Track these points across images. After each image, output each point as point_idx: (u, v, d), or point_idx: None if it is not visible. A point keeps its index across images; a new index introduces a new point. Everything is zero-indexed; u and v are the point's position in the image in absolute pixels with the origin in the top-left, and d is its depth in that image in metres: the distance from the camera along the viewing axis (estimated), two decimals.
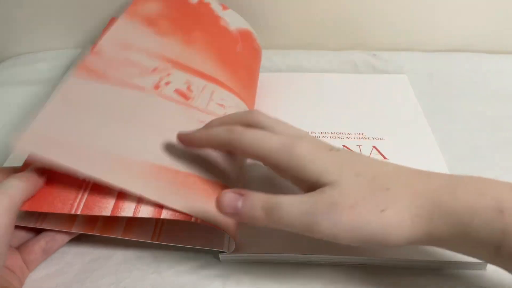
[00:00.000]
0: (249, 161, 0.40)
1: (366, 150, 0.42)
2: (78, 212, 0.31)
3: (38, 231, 0.33)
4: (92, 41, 0.51)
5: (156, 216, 0.31)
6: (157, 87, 0.37)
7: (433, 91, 0.51)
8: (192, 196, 0.32)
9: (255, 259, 0.34)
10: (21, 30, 0.59)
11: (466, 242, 0.26)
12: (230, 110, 0.39)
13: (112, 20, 0.49)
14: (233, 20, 0.48)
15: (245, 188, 0.28)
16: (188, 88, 0.39)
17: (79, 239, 0.35)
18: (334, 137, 0.43)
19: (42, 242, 0.32)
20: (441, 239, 0.26)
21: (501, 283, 0.32)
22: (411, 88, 0.51)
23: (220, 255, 0.33)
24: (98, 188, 0.31)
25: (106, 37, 0.39)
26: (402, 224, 0.25)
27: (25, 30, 0.59)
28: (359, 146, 0.42)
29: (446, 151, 0.42)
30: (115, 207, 0.31)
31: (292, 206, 0.27)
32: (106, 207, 0.31)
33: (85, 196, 0.32)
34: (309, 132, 0.43)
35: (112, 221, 0.33)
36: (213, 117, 0.36)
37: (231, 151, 0.32)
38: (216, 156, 0.35)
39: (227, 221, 0.31)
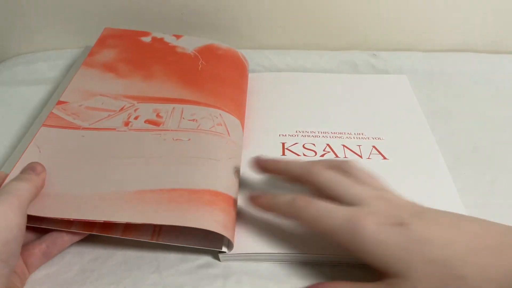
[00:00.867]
0: (245, 166, 0.40)
1: (366, 150, 0.42)
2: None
3: (38, 233, 0.33)
4: (92, 42, 0.51)
5: None
6: (127, 123, 0.39)
7: (433, 91, 0.51)
8: (182, 208, 0.32)
9: (255, 259, 0.34)
10: (21, 30, 0.59)
11: None
12: (203, 121, 0.40)
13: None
14: (189, 44, 0.51)
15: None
16: (157, 115, 0.40)
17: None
18: (334, 137, 0.43)
19: (43, 245, 0.32)
20: None
21: None
22: (411, 88, 0.51)
23: (220, 255, 0.33)
24: None
25: (69, 89, 0.43)
26: None
27: (25, 30, 0.59)
28: (359, 146, 0.42)
29: (446, 151, 0.42)
30: None
31: None
32: None
33: None
34: (310, 132, 0.44)
35: (111, 222, 0.33)
36: (186, 133, 0.38)
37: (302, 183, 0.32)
38: (202, 165, 0.36)
39: (223, 225, 0.31)
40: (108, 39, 0.50)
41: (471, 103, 0.50)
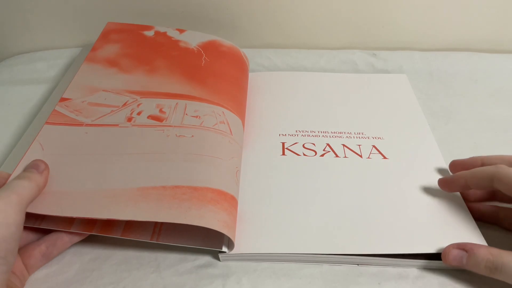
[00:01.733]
0: (244, 166, 0.40)
1: (366, 150, 0.42)
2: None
3: (38, 234, 0.33)
4: (91, 40, 0.51)
5: None
6: (130, 119, 0.39)
7: (433, 91, 0.51)
8: (185, 205, 0.32)
9: (255, 258, 0.34)
10: (21, 29, 0.59)
11: None
12: (207, 118, 0.40)
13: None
14: (192, 39, 0.50)
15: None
16: (160, 110, 0.40)
17: None
18: (334, 136, 0.43)
19: (42, 246, 0.32)
20: None
21: (501, 283, 0.32)
22: (411, 87, 0.51)
23: (220, 255, 0.33)
24: None
25: (72, 85, 0.42)
26: None
27: (25, 29, 0.59)
28: (359, 145, 0.42)
29: (446, 151, 0.42)
30: None
31: None
32: None
33: None
34: (309, 132, 0.43)
35: (111, 221, 0.33)
36: (189, 130, 0.38)
37: (493, 187, 0.33)
38: (205, 162, 0.35)
39: (225, 224, 0.31)
40: (110, 33, 0.50)
41: (471, 103, 0.49)
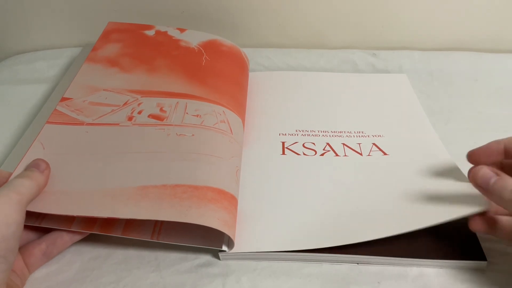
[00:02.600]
0: (244, 166, 0.40)
1: (366, 148, 0.42)
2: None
3: (39, 233, 0.33)
4: (92, 40, 0.51)
5: None
6: (130, 118, 0.39)
7: (433, 91, 0.51)
8: (186, 204, 0.32)
9: (255, 258, 0.34)
10: (21, 29, 0.59)
11: None
12: (207, 117, 0.40)
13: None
14: (193, 39, 0.50)
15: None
16: (161, 109, 0.40)
17: None
18: (334, 136, 0.43)
19: (43, 245, 0.32)
20: None
21: (501, 283, 0.32)
22: (411, 87, 0.51)
23: (220, 254, 0.33)
24: None
25: (73, 85, 0.42)
26: None
27: (25, 29, 0.59)
28: (359, 144, 0.42)
29: (447, 150, 0.42)
30: None
31: None
32: None
33: None
34: (309, 131, 0.43)
35: (112, 220, 0.33)
36: (190, 129, 0.38)
37: None
38: (205, 162, 0.35)
39: (225, 223, 0.31)
40: (111, 33, 0.50)
41: (471, 103, 0.49)
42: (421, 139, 0.43)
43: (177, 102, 0.41)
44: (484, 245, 0.33)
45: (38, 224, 0.32)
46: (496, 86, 0.52)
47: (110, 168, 0.34)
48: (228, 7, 0.56)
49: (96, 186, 0.33)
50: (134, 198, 0.32)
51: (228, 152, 0.37)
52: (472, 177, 0.31)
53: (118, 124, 0.38)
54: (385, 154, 0.41)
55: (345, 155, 0.41)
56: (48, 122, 0.38)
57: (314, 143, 0.42)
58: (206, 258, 0.34)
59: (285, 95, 0.49)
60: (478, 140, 0.44)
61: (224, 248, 0.33)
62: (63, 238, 0.33)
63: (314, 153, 0.41)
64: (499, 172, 0.30)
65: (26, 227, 0.32)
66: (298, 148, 0.42)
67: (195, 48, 0.49)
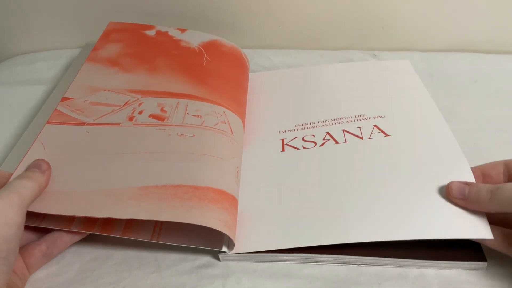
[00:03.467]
0: (243, 166, 0.40)
1: (367, 131, 0.41)
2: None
3: (39, 234, 0.33)
4: (91, 41, 0.51)
5: None
6: (131, 118, 0.39)
7: (432, 92, 0.51)
8: (187, 204, 0.32)
9: (254, 259, 0.34)
10: (21, 30, 0.59)
11: None
12: (208, 118, 0.40)
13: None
14: (193, 39, 0.50)
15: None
16: (162, 109, 0.40)
17: None
18: (334, 124, 0.43)
19: (43, 246, 0.32)
20: None
21: (501, 283, 0.32)
22: (414, 71, 0.49)
23: (220, 255, 0.33)
24: None
25: (73, 85, 0.42)
26: None
27: (25, 30, 0.59)
28: (360, 127, 0.42)
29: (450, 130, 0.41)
30: None
31: None
32: None
33: None
34: (309, 124, 0.43)
35: (112, 220, 0.33)
36: (191, 129, 0.38)
37: None
38: (206, 162, 0.35)
39: (226, 224, 0.31)
40: (112, 33, 0.50)
41: (471, 103, 0.49)
42: (424, 119, 0.42)
43: (178, 102, 0.41)
44: (484, 245, 0.33)
45: (38, 224, 0.32)
46: (495, 87, 0.52)
47: (111, 168, 0.34)
48: (228, 8, 0.56)
49: (97, 186, 0.33)
50: (135, 198, 0.32)
51: (228, 153, 0.37)
52: (449, 193, 0.33)
53: (119, 124, 0.38)
54: (386, 135, 0.40)
55: (346, 141, 0.40)
56: (48, 122, 0.38)
57: (313, 135, 0.42)
58: (206, 259, 0.34)
59: (284, 93, 0.49)
60: (478, 141, 0.44)
61: (224, 249, 0.33)
62: (63, 238, 0.33)
63: (313, 145, 0.41)
64: (469, 182, 0.33)
65: (26, 227, 0.32)
66: (297, 142, 0.41)
67: (196, 48, 0.49)
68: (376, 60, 0.54)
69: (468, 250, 0.33)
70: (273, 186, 0.38)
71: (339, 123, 0.43)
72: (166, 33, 0.51)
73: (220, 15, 0.57)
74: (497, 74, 0.54)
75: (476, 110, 0.49)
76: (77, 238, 0.33)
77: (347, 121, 0.43)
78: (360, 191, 0.36)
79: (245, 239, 0.34)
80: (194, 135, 0.38)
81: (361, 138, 0.40)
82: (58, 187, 0.33)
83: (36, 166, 0.32)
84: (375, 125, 0.42)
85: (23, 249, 0.32)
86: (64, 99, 0.41)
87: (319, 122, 0.43)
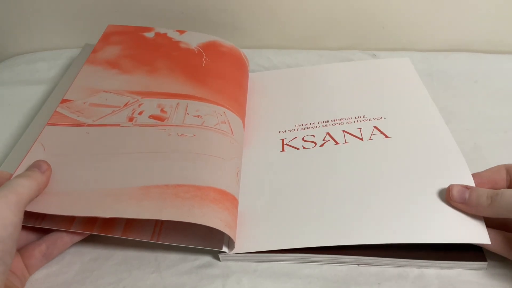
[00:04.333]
0: (243, 166, 0.40)
1: (367, 132, 0.41)
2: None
3: (39, 234, 0.33)
4: (91, 41, 0.51)
5: None
6: (131, 119, 0.39)
7: (432, 92, 0.51)
8: (188, 203, 0.32)
9: (255, 259, 0.34)
10: (21, 30, 0.59)
11: None
12: (208, 118, 0.40)
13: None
14: (192, 40, 0.50)
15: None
16: (162, 110, 0.40)
17: None
18: (334, 124, 0.43)
19: (42, 246, 0.32)
20: None
21: (501, 283, 0.32)
22: (414, 69, 0.49)
23: (220, 255, 0.33)
24: None
25: (73, 87, 0.42)
26: None
27: (25, 30, 0.59)
28: (360, 128, 0.42)
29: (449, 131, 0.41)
30: None
31: None
32: None
33: None
34: (309, 124, 0.43)
35: (112, 220, 0.33)
36: (191, 129, 0.38)
37: None
38: (207, 162, 0.35)
39: (227, 224, 0.31)
40: (111, 36, 0.50)
41: (471, 103, 0.49)
42: (424, 120, 0.42)
43: (178, 103, 0.41)
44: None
45: (38, 225, 0.32)
46: (495, 87, 0.52)
47: (111, 169, 0.34)
48: (228, 8, 0.56)
49: (97, 186, 0.33)
50: (136, 198, 0.32)
51: (229, 153, 0.37)
52: (449, 197, 0.33)
53: (119, 125, 0.38)
54: (386, 137, 0.40)
55: (346, 142, 0.40)
56: (48, 124, 0.38)
57: (314, 135, 0.42)
58: (206, 259, 0.34)
59: (284, 93, 0.49)
60: (478, 141, 0.44)
61: (224, 249, 0.33)
62: (63, 239, 0.33)
63: (313, 145, 0.41)
64: (469, 186, 0.33)
65: (26, 228, 0.32)
66: (297, 142, 0.41)
67: (195, 49, 0.49)
68: (376, 59, 0.54)
69: (468, 251, 0.33)
70: (273, 186, 0.38)
71: (339, 124, 0.43)
72: (165, 34, 0.51)
73: (220, 15, 0.57)
74: (497, 74, 0.54)
75: (476, 110, 0.49)
76: (77, 238, 0.33)
77: (347, 122, 0.43)
78: (359, 192, 0.36)
79: (245, 239, 0.34)
80: (194, 135, 0.38)
81: (361, 139, 0.40)
82: (58, 188, 0.33)
83: (36, 166, 0.32)
84: (375, 127, 0.42)
85: (22, 249, 0.32)
86: (64, 101, 0.41)
87: (319, 122, 0.43)
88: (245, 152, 0.41)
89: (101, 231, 0.33)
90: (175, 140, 0.37)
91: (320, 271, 0.33)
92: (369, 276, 0.33)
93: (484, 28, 0.57)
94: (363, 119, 0.43)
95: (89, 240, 0.34)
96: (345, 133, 0.41)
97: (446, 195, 0.33)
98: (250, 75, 0.52)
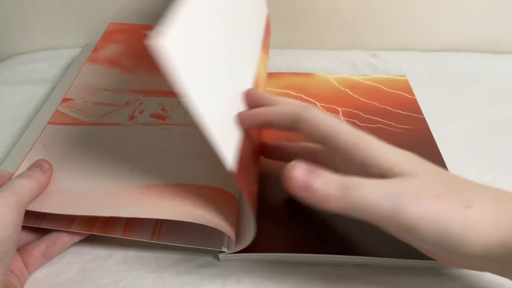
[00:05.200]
0: None
1: None
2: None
3: (38, 234, 0.33)
4: (91, 41, 0.52)
5: None
6: (132, 117, 0.39)
7: (433, 91, 0.51)
8: (188, 203, 0.32)
9: (255, 259, 0.34)
10: (21, 29, 0.59)
11: None
12: None
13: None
14: None
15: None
16: (163, 109, 0.40)
17: None
18: None
19: (42, 246, 0.32)
20: None
21: (501, 283, 0.32)
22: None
23: (220, 255, 0.33)
24: None
25: (74, 86, 0.42)
26: (484, 225, 0.23)
27: (25, 29, 0.59)
28: None
29: (446, 151, 0.42)
30: None
31: (375, 187, 0.24)
32: None
33: None
34: None
35: (112, 220, 0.33)
36: (192, 128, 0.38)
37: (294, 129, 0.28)
38: (208, 161, 0.35)
39: (227, 223, 0.31)
40: (112, 34, 0.50)
41: (471, 103, 0.49)
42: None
43: (179, 102, 0.41)
44: None
45: (38, 224, 0.32)
46: (495, 87, 0.52)
47: (112, 168, 0.34)
48: None
49: (98, 185, 0.33)
50: (136, 197, 0.32)
51: None
52: (289, 181, 0.25)
53: (120, 123, 0.38)
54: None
55: None
56: (49, 123, 0.38)
57: None
58: (206, 259, 0.34)
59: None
60: (478, 141, 0.44)
61: (224, 249, 0.33)
62: (63, 238, 0.33)
63: None
64: (314, 168, 0.25)
65: (26, 227, 0.32)
66: None
67: None
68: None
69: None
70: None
71: None
72: None
73: None
74: (497, 74, 0.54)
75: (476, 110, 0.49)
76: (77, 238, 0.33)
77: None
78: None
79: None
80: (195, 134, 0.38)
81: None
82: (59, 187, 0.33)
83: (38, 165, 0.32)
84: None
85: (22, 249, 0.32)
86: (65, 99, 0.41)
87: None
88: None
89: (101, 231, 0.33)
90: (175, 139, 0.37)
91: (320, 271, 0.33)
92: (369, 276, 0.33)
93: (484, 28, 0.57)
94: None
95: (89, 240, 0.34)
96: None
97: (284, 178, 0.25)
98: None
